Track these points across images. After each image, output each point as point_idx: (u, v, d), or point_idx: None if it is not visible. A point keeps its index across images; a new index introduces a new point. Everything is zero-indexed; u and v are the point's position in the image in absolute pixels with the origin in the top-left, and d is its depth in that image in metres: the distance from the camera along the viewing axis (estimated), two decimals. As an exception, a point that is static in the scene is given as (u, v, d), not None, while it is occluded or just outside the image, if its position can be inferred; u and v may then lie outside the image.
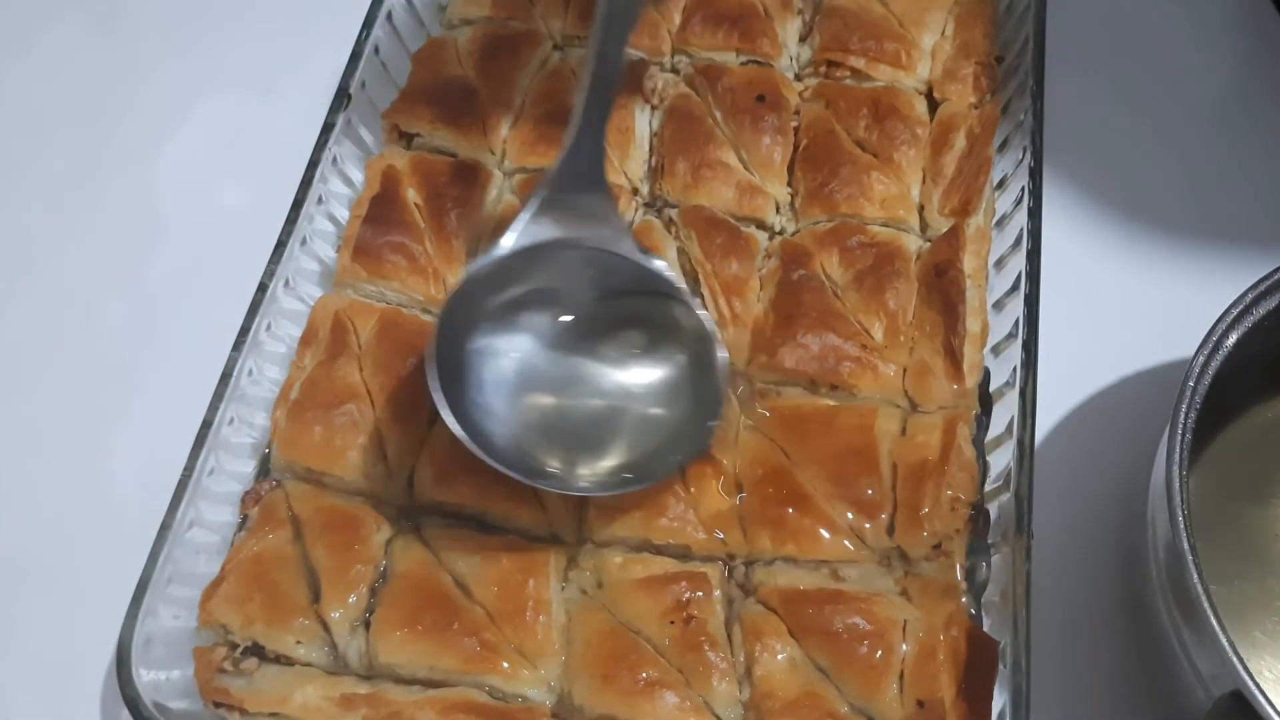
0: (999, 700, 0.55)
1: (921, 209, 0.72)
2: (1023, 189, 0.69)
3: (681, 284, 0.65)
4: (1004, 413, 0.63)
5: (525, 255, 0.62)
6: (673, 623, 0.58)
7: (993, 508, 0.61)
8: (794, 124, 0.75)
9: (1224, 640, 0.48)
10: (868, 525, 0.61)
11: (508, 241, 0.62)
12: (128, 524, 0.64)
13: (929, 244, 0.70)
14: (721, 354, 0.63)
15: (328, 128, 0.72)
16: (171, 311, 0.76)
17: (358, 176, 0.74)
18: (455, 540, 0.61)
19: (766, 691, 0.56)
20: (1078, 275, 0.72)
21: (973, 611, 0.58)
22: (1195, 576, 0.49)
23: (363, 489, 0.63)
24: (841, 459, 0.62)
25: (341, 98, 0.74)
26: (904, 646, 0.57)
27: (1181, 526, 0.51)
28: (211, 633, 0.59)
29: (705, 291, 0.68)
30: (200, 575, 0.60)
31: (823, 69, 0.77)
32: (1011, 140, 0.73)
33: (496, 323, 0.62)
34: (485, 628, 0.58)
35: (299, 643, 0.59)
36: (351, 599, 0.59)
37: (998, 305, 0.68)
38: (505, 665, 0.57)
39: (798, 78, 0.78)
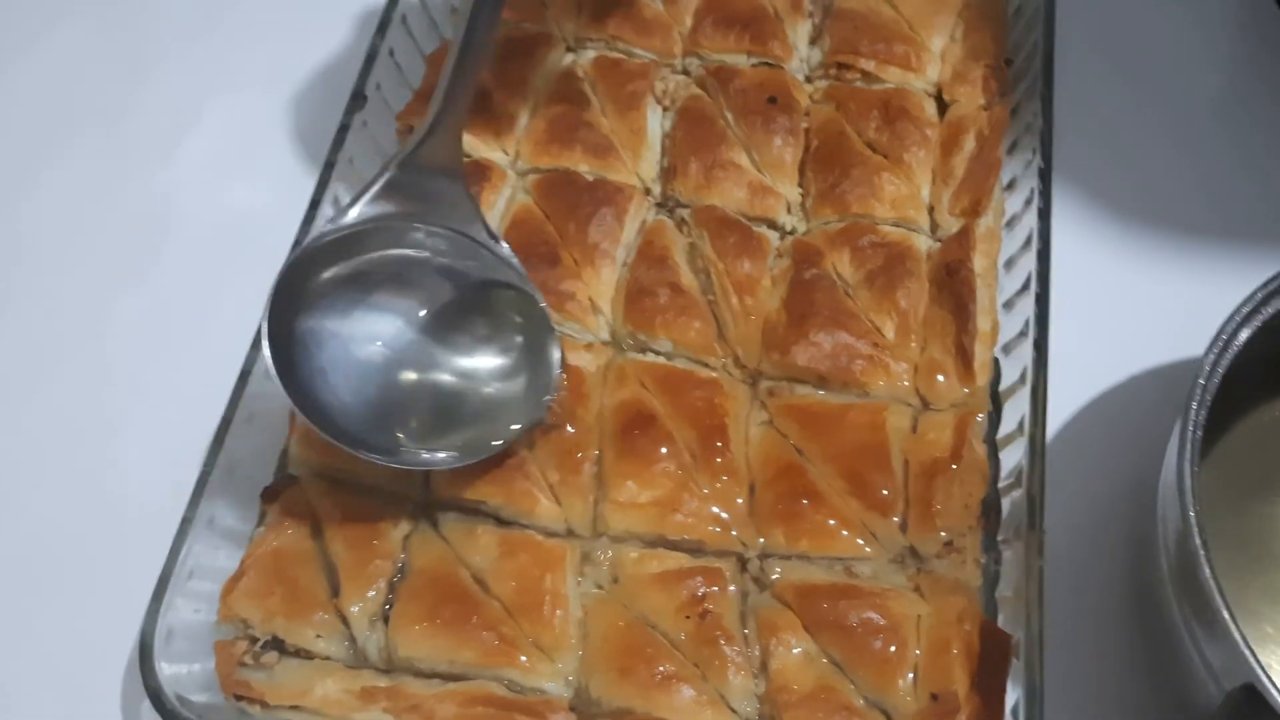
0: (1012, 694, 0.55)
1: (932, 209, 0.72)
2: (1032, 190, 0.69)
3: (521, 268, 0.65)
4: (1015, 410, 0.63)
5: (367, 231, 0.61)
6: (688, 617, 0.58)
7: (1004, 504, 0.61)
8: (805, 125, 0.76)
9: (1236, 634, 0.49)
10: (880, 522, 0.61)
11: (350, 216, 0.61)
12: (148, 519, 0.65)
13: (939, 244, 0.71)
14: (554, 336, 0.64)
15: (343, 129, 0.73)
16: (186, 310, 0.76)
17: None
18: (473, 535, 0.62)
19: (782, 685, 0.57)
20: (1087, 275, 0.73)
21: (985, 607, 0.59)
22: (1207, 571, 0.50)
23: (380, 484, 0.64)
24: (854, 456, 0.63)
25: (357, 99, 0.74)
26: (917, 641, 0.57)
27: (1193, 522, 0.51)
28: (232, 626, 0.60)
29: (718, 290, 0.69)
30: (220, 570, 0.61)
31: (833, 71, 0.78)
32: (1021, 142, 0.74)
33: (335, 298, 0.61)
34: (503, 622, 0.59)
35: (319, 636, 0.59)
36: (370, 593, 0.60)
37: (1008, 305, 0.68)
38: (523, 659, 0.58)
39: (808, 80, 0.78)
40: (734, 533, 0.62)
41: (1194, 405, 0.55)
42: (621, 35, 0.79)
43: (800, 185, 0.74)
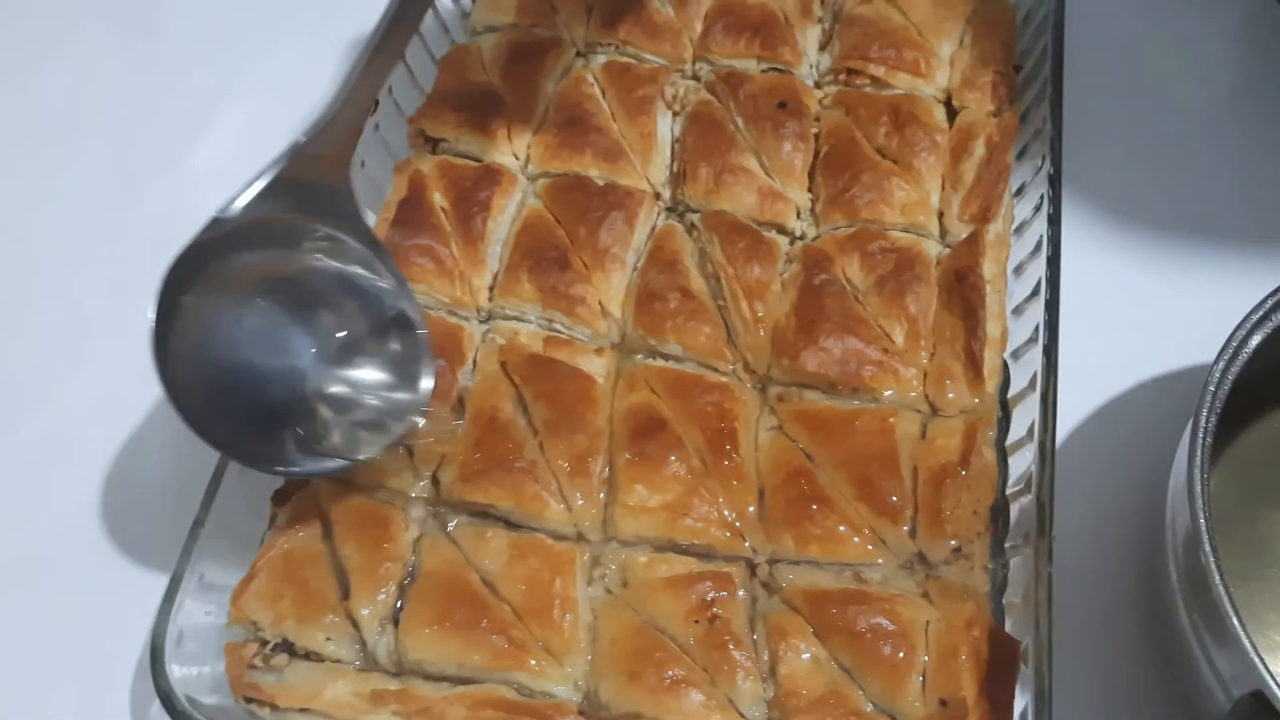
0: (1021, 700, 0.55)
1: (941, 215, 0.73)
2: (1042, 196, 0.70)
3: (400, 275, 0.64)
4: (1024, 416, 0.63)
5: (251, 228, 0.60)
6: (697, 622, 0.58)
7: (1013, 510, 0.62)
8: (814, 131, 0.76)
9: (1245, 641, 0.49)
10: (889, 528, 0.61)
11: (235, 209, 0.60)
12: (159, 521, 0.66)
13: (949, 250, 0.71)
14: (425, 347, 0.63)
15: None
16: (200, 313, 0.77)
17: (384, 181, 0.75)
18: (483, 539, 0.62)
19: (791, 690, 0.57)
20: (1096, 281, 0.73)
21: (993, 612, 0.59)
22: (1216, 578, 0.50)
23: (390, 487, 0.64)
24: (863, 462, 0.63)
25: (368, 103, 0.75)
26: (926, 646, 0.57)
27: (1202, 528, 0.51)
28: (242, 629, 0.60)
29: (728, 295, 0.69)
30: (231, 572, 0.61)
31: (843, 76, 0.78)
32: (1030, 148, 0.74)
33: (216, 300, 0.60)
34: (513, 625, 0.59)
35: (329, 639, 0.60)
36: (381, 596, 0.60)
37: (1017, 311, 0.68)
38: (533, 663, 0.58)
39: (818, 85, 0.79)
40: (743, 538, 0.62)
41: (1204, 412, 0.55)
42: (632, 40, 0.79)
43: (810, 190, 0.74)
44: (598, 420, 0.65)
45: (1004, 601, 0.59)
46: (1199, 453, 0.53)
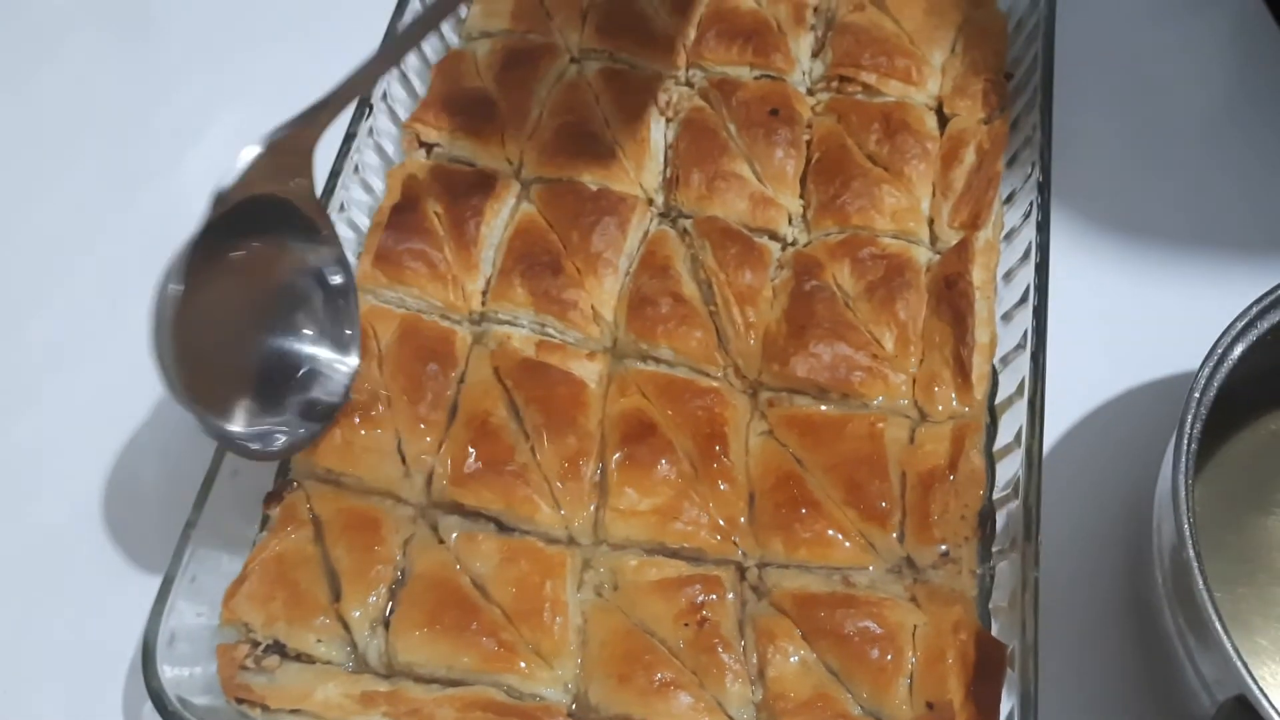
0: (1007, 703, 0.56)
1: (931, 222, 0.73)
2: (1031, 204, 0.70)
3: (349, 275, 0.66)
4: (1012, 422, 0.64)
5: (239, 213, 0.60)
6: (687, 625, 0.59)
7: (1000, 515, 0.62)
8: (806, 137, 0.76)
9: (1228, 645, 0.49)
10: (878, 533, 0.62)
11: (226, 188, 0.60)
12: (151, 523, 0.66)
13: (939, 256, 0.71)
14: (355, 338, 0.65)
15: (349, 137, 0.74)
16: (194, 316, 0.77)
17: (378, 185, 0.76)
18: (473, 541, 0.62)
19: (779, 693, 0.57)
20: (1085, 288, 0.74)
21: (980, 617, 0.59)
22: (1200, 583, 0.51)
23: (382, 489, 0.64)
24: (852, 467, 0.63)
25: (363, 108, 0.75)
26: (913, 650, 0.58)
27: (1187, 534, 0.52)
28: (234, 630, 0.60)
29: (719, 300, 0.69)
30: (222, 574, 0.62)
31: (835, 84, 0.78)
32: (1020, 156, 0.74)
33: (206, 279, 0.60)
34: (503, 628, 0.59)
35: (319, 641, 0.60)
36: (371, 598, 0.60)
37: (1006, 317, 0.69)
38: (523, 665, 0.58)
39: (810, 92, 0.79)
40: (733, 541, 0.62)
41: (1189, 419, 0.55)
42: (625, 47, 0.80)
43: (801, 197, 0.75)
44: (589, 424, 0.65)
45: (990, 606, 0.60)
46: (1183, 460, 0.54)
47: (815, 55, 0.81)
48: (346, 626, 0.60)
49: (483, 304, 0.71)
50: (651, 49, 0.80)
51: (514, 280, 0.70)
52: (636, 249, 0.72)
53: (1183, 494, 0.53)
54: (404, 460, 0.65)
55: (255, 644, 0.60)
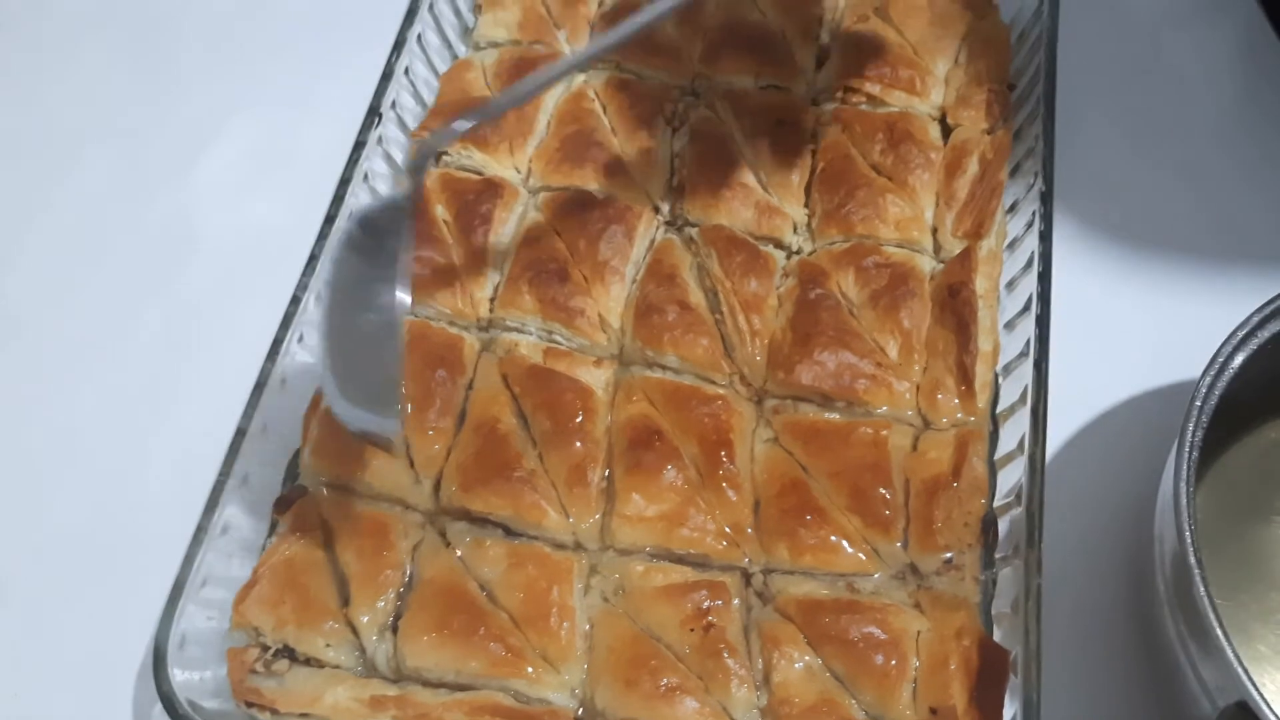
0: (1010, 709, 0.56)
1: (935, 231, 0.74)
2: (1034, 213, 0.71)
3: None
4: (1015, 430, 0.64)
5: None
6: (693, 630, 0.59)
7: (1003, 522, 0.62)
8: (811, 147, 0.77)
9: (1229, 652, 0.50)
10: (882, 539, 0.62)
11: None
12: (163, 528, 0.66)
13: (942, 265, 0.72)
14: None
15: (359, 145, 0.74)
16: (206, 322, 0.78)
17: (386, 192, 0.76)
18: (481, 547, 0.63)
19: (784, 698, 0.58)
20: (1087, 297, 0.74)
21: (983, 622, 0.60)
22: (1201, 590, 0.51)
23: (391, 495, 0.65)
24: (856, 473, 0.64)
25: (372, 116, 0.76)
26: (917, 655, 0.58)
27: (1189, 541, 0.52)
28: (244, 634, 0.61)
29: (725, 308, 0.70)
30: (233, 579, 0.62)
31: (840, 94, 0.79)
32: (1023, 165, 0.75)
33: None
34: (510, 633, 0.60)
35: (328, 645, 0.60)
36: (380, 603, 0.61)
37: (1009, 325, 0.69)
38: (530, 670, 0.59)
39: (815, 103, 0.80)
40: (739, 547, 0.63)
41: (1190, 427, 0.56)
42: (633, 57, 0.80)
43: (806, 206, 0.75)
44: (596, 431, 0.66)
45: (993, 612, 0.60)
46: (1185, 468, 0.54)
47: (820, 66, 0.81)
48: (355, 631, 0.61)
49: (491, 311, 0.72)
50: (658, 59, 0.81)
51: (522, 288, 0.71)
52: (643, 257, 0.73)
53: (1184, 502, 0.53)
54: (412, 466, 0.65)
55: (265, 648, 0.60)
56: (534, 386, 0.67)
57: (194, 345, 0.77)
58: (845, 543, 0.62)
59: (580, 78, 0.81)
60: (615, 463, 0.65)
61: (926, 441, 0.65)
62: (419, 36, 0.80)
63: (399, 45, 0.79)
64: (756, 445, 0.66)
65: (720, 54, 0.80)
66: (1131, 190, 0.81)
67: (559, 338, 0.70)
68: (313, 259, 0.70)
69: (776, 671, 0.58)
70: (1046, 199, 0.70)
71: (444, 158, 0.77)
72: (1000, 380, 0.68)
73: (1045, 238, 0.69)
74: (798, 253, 0.74)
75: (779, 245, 0.74)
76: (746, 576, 0.62)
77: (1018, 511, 0.61)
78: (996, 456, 0.65)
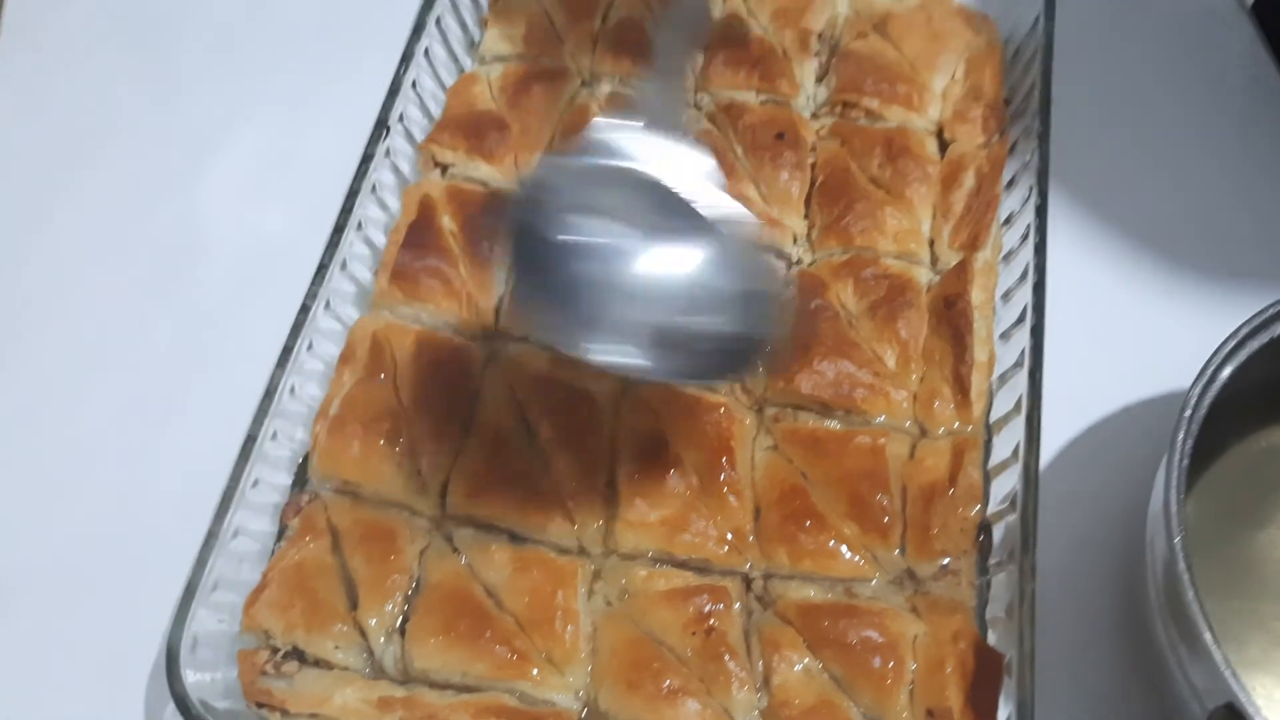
0: (1004, 711, 0.57)
1: (932, 243, 0.75)
2: (1029, 226, 0.72)
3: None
4: (1010, 438, 0.66)
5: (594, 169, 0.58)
6: (694, 633, 0.61)
7: (998, 528, 0.64)
8: (811, 160, 0.78)
9: (1218, 655, 0.51)
10: (880, 545, 0.63)
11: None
12: (173, 532, 0.67)
13: (939, 277, 0.73)
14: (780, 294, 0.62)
15: (367, 158, 0.75)
16: (213, 330, 0.79)
17: (394, 202, 0.78)
18: (487, 551, 0.64)
19: (784, 700, 0.59)
20: (1081, 308, 0.75)
21: (978, 626, 0.61)
22: (1191, 595, 0.52)
23: (398, 501, 0.66)
24: (855, 481, 0.65)
25: (380, 128, 0.77)
26: (914, 658, 0.59)
27: (1178, 548, 0.54)
28: (254, 636, 0.62)
29: (726, 318, 0.71)
30: (243, 582, 0.63)
31: (838, 109, 0.80)
32: (1019, 179, 0.76)
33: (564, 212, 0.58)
34: (516, 636, 0.61)
35: (337, 648, 0.62)
36: (388, 607, 0.62)
37: (1004, 336, 0.71)
38: (535, 672, 0.60)
39: (814, 116, 0.81)
40: (740, 552, 0.64)
41: (1180, 436, 0.57)
42: (635, 72, 0.82)
43: (806, 217, 0.77)
44: (600, 438, 0.67)
45: (988, 616, 0.62)
46: (1175, 475, 0.56)
47: (819, 81, 0.83)
48: (363, 634, 0.62)
49: (497, 321, 0.73)
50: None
51: (527, 298, 0.72)
52: (646, 268, 0.74)
53: (1174, 509, 0.55)
54: (420, 473, 0.66)
55: (275, 650, 0.62)
56: (539, 395, 0.68)
57: (204, 352, 0.78)
58: (844, 548, 0.63)
59: (585, 91, 0.82)
60: (619, 469, 0.66)
61: (923, 449, 0.67)
62: (426, 50, 0.82)
63: (406, 59, 0.80)
64: (757, 453, 0.68)
65: (721, 68, 0.81)
66: (1125, 203, 0.82)
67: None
68: (322, 268, 0.71)
69: (776, 674, 0.59)
70: (1041, 212, 0.72)
71: (450, 169, 0.78)
72: (995, 389, 0.69)
73: (1040, 250, 0.70)
74: (797, 263, 0.76)
75: (779, 256, 0.75)
76: (747, 581, 0.64)
77: (1012, 518, 0.62)
78: (992, 464, 0.66)
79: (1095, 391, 0.73)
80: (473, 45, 0.87)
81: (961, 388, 0.68)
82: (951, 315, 0.70)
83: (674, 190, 0.58)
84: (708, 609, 0.61)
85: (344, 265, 0.73)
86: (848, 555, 0.63)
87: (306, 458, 0.68)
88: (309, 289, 0.70)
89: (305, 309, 0.70)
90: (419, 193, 0.76)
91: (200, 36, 0.93)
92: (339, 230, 0.73)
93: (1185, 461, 0.57)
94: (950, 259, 0.74)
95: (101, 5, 0.95)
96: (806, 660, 0.60)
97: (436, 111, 0.82)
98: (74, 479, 0.73)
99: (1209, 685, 0.52)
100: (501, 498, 0.65)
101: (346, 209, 0.73)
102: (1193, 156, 0.85)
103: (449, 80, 0.83)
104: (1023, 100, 0.80)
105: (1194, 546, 0.54)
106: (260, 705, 0.60)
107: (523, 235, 0.58)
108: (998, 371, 0.70)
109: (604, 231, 0.58)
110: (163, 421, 0.75)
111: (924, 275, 0.74)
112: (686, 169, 0.58)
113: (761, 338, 0.60)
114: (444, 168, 0.78)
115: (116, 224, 0.84)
